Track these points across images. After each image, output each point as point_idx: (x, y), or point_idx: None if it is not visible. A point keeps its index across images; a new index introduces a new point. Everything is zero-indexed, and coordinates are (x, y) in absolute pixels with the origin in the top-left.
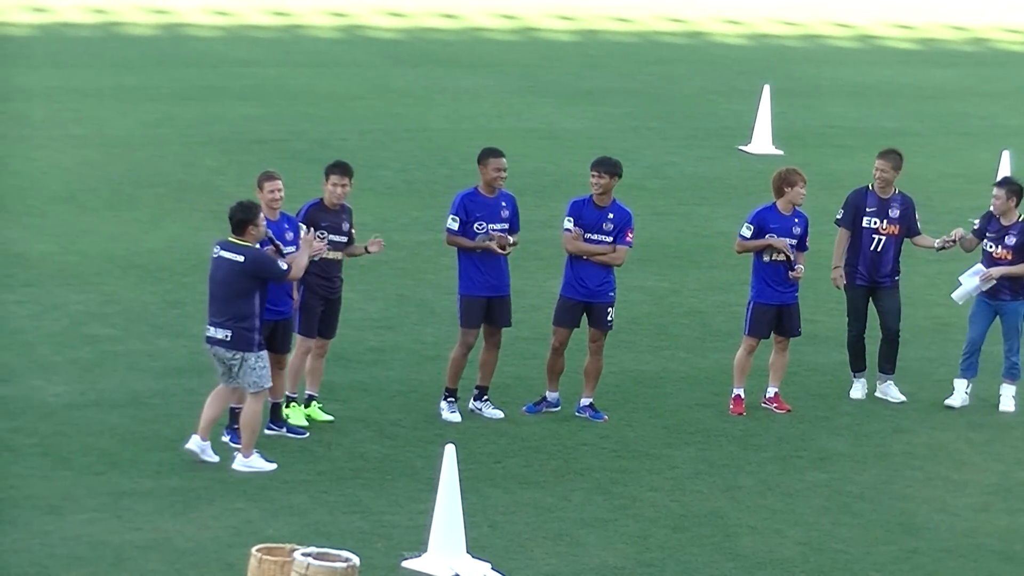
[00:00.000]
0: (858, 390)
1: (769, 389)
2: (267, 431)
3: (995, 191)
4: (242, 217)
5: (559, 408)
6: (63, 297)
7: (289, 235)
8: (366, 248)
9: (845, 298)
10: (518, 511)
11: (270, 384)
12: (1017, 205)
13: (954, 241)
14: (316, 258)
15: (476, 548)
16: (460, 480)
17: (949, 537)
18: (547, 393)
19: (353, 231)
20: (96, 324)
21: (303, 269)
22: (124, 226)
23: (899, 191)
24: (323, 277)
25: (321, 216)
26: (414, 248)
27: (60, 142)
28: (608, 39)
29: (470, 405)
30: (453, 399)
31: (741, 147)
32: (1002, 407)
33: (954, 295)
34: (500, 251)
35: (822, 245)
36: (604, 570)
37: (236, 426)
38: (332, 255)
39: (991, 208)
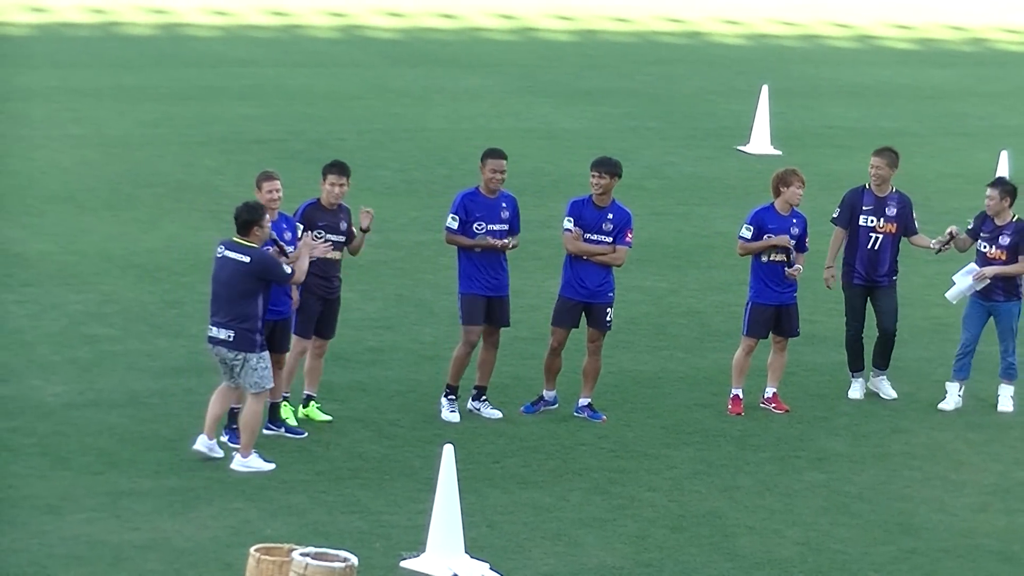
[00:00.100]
0: (856, 390)
1: (767, 389)
2: (265, 431)
3: (988, 191)
4: (248, 218)
5: (556, 406)
6: (62, 297)
7: (287, 235)
8: (361, 229)
9: (843, 298)
10: (516, 511)
11: (271, 385)
12: (1011, 205)
13: (949, 240)
14: (315, 258)
15: (474, 548)
16: (459, 480)
17: (947, 537)
18: (544, 392)
19: (353, 229)
20: (95, 324)
21: (305, 272)
22: (123, 226)
23: (896, 189)
24: (321, 277)
25: (318, 216)
26: (413, 248)
27: (59, 142)
28: (607, 39)
29: (468, 405)
30: (454, 396)
31: (740, 147)
32: (1000, 407)
33: (948, 294)
34: (499, 247)
35: (821, 245)
36: (602, 570)
37: (235, 426)
38: (332, 255)
39: (985, 208)
